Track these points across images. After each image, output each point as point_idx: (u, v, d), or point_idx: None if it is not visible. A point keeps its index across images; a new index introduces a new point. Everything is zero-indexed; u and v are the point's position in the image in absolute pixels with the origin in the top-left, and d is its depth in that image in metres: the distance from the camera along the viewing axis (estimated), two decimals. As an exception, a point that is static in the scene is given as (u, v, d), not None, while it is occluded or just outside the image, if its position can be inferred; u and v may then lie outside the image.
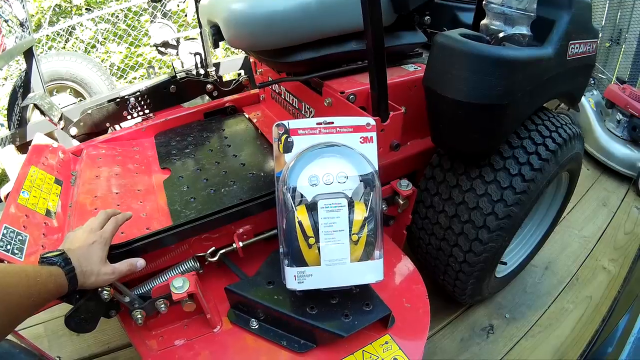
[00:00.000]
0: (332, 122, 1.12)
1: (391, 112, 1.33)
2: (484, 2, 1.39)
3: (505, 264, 1.83)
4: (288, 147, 1.11)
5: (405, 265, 1.38)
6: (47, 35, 4.95)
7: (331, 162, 1.10)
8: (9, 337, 1.01)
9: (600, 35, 3.70)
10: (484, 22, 1.41)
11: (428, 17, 1.61)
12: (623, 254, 2.40)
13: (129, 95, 2.04)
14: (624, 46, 3.61)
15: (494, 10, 1.36)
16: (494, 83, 1.19)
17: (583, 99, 3.23)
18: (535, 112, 1.51)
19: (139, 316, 1.11)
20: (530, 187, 1.38)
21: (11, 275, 0.82)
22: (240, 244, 1.28)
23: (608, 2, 3.61)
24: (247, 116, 2.03)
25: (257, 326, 1.18)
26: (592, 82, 3.46)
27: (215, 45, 1.89)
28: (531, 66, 1.26)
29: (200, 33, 2.42)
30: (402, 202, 1.40)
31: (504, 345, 1.80)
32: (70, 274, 0.96)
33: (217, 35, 1.55)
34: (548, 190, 1.88)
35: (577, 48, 1.45)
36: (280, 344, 1.14)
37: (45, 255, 0.97)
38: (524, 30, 1.36)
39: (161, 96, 2.11)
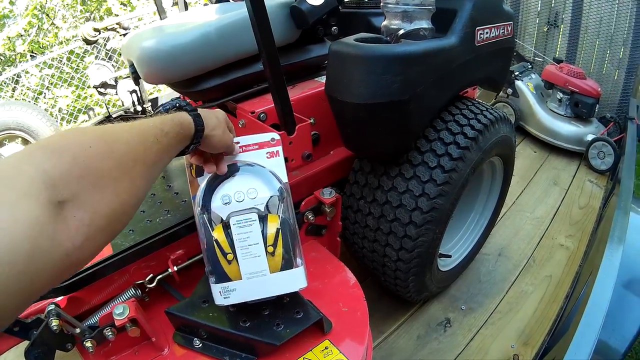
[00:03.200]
0: (238, 142, 1.14)
1: (298, 125, 1.35)
2: (381, 4, 1.42)
3: (449, 256, 1.85)
4: (200, 171, 1.13)
5: (341, 272, 1.38)
6: (-6, 85, 4.93)
7: (241, 181, 1.12)
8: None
9: (537, 21, 3.80)
10: (384, 23, 1.44)
11: (335, 27, 1.63)
12: (580, 229, 2.44)
13: (67, 139, 2.04)
14: (562, 27, 3.68)
15: (392, 10, 1.40)
16: (389, 80, 1.21)
17: (521, 84, 3.31)
18: (452, 102, 1.54)
19: (89, 345, 1.11)
20: (452, 177, 1.40)
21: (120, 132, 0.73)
22: (175, 268, 1.29)
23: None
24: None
25: (200, 345, 1.18)
26: (530, 66, 3.54)
27: (136, 82, 1.92)
28: (429, 58, 1.29)
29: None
30: (328, 210, 1.42)
31: (463, 337, 1.80)
32: (193, 112, 0.92)
33: (135, 73, 1.59)
34: (484, 178, 1.91)
35: (486, 33, 1.48)
36: (224, 359, 1.15)
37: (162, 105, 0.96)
38: (424, 24, 1.39)
39: (98, 136, 2.11)
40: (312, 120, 1.41)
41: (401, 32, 1.37)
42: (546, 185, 2.84)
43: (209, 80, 1.50)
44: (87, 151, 0.60)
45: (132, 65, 1.62)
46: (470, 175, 1.48)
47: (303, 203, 1.41)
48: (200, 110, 0.95)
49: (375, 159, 1.49)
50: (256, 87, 1.57)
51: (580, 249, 2.29)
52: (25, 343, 1.10)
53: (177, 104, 0.93)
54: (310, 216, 1.42)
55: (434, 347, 1.76)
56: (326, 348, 1.15)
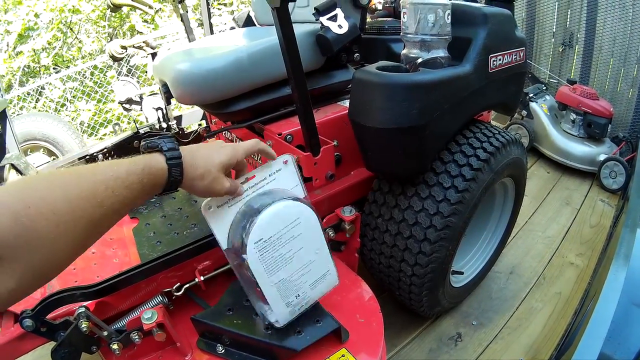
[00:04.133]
0: (254, 176, 1.12)
1: (323, 147, 1.44)
2: (401, 34, 1.51)
3: (461, 273, 1.90)
4: None
5: (358, 286, 1.44)
6: (18, 96, 5.06)
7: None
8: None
9: (553, 41, 3.84)
10: (403, 52, 1.53)
11: (357, 54, 1.72)
12: (590, 247, 2.48)
13: (97, 152, 2.11)
14: (577, 48, 3.72)
15: (410, 39, 1.48)
16: (409, 107, 1.30)
17: (535, 105, 3.37)
18: (466, 126, 1.62)
19: (116, 347, 1.18)
20: (465, 196, 1.47)
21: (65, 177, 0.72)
22: (202, 278, 1.36)
23: (557, 6, 3.75)
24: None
25: (223, 351, 1.24)
26: (545, 88, 3.59)
27: (168, 102, 2.00)
28: (446, 85, 1.37)
29: (160, 90, 2.51)
30: (348, 227, 1.50)
31: (474, 351, 1.85)
32: (173, 160, 0.84)
33: (168, 93, 1.67)
34: (496, 198, 1.97)
35: (499, 60, 1.56)
36: (245, 365, 1.21)
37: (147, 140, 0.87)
38: (441, 53, 1.47)
39: (126, 151, 2.17)
40: (335, 143, 1.50)
41: (419, 60, 1.45)
42: (558, 205, 2.88)
43: (238, 102, 1.58)
44: (27, 211, 0.63)
45: (164, 85, 1.70)
46: (482, 195, 1.55)
47: (324, 220, 1.48)
48: (189, 153, 0.88)
49: (394, 179, 1.57)
50: (283, 110, 1.65)
51: (589, 266, 2.33)
52: (45, 346, 1.17)
53: (160, 146, 0.85)
54: (330, 233, 1.49)
55: (445, 360, 1.82)
56: (343, 356, 1.20)
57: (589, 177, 3.17)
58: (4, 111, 2.69)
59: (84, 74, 5.24)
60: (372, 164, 1.55)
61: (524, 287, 2.19)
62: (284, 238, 1.10)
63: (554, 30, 3.86)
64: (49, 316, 1.15)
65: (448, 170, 1.49)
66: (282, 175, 1.13)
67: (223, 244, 1.08)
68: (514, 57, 1.63)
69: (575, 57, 3.76)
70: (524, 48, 1.69)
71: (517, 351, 1.86)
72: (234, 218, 1.07)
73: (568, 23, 3.74)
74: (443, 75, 1.38)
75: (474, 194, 1.50)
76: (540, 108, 3.37)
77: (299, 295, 1.16)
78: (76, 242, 0.71)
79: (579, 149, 3.20)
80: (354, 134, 1.50)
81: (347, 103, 1.72)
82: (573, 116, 3.27)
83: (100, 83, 5.25)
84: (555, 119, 3.37)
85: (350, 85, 1.77)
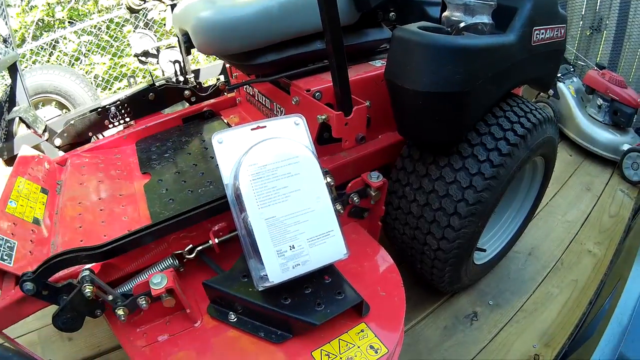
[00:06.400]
0: (265, 126, 1.16)
1: (355, 107, 1.37)
2: (445, -5, 1.42)
3: (484, 250, 1.85)
4: None
5: (380, 256, 1.40)
6: (32, 50, 4.97)
7: None
8: (3, 342, 1.05)
9: (581, 24, 3.74)
10: (445, 14, 1.44)
11: (393, 13, 1.64)
12: (609, 237, 2.42)
13: (109, 104, 2.06)
14: (604, 33, 3.62)
15: (454, 2, 1.40)
16: (451, 72, 1.22)
17: (563, 86, 3.27)
18: (504, 98, 1.54)
19: (121, 313, 1.12)
20: (500, 172, 1.40)
21: None
22: (216, 240, 1.30)
23: (589, -11, 3.63)
24: (224, 119, 2.06)
25: (235, 319, 1.19)
26: (572, 69, 3.49)
27: (188, 52, 1.93)
28: (491, 53, 1.30)
29: (178, 41, 2.44)
30: (373, 194, 1.43)
31: (489, 331, 1.81)
32: None
33: (188, 43, 1.62)
34: (525, 176, 1.91)
35: (542, 34, 1.48)
36: (258, 335, 1.15)
37: None
38: (485, 19, 1.39)
39: (140, 104, 2.12)
40: (368, 103, 1.42)
41: (462, 24, 1.37)
42: (579, 190, 2.82)
43: (265, 55, 1.51)
44: None
45: (185, 34, 1.63)
46: (516, 172, 1.49)
47: (350, 185, 1.42)
48: None
49: (426, 147, 1.50)
50: (311, 66, 1.58)
51: (607, 257, 2.28)
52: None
53: None
54: (355, 198, 1.43)
55: (459, 339, 1.78)
56: (362, 331, 1.15)
57: (610, 165, 3.10)
58: (14, 64, 2.63)
59: (99, 28, 5.15)
60: (405, 129, 1.48)
61: (541, 270, 2.15)
62: (280, 172, 1.10)
63: (583, 12, 3.75)
64: (52, 278, 1.11)
65: (484, 142, 1.42)
66: (293, 134, 1.17)
67: (225, 178, 1.13)
68: (555, 33, 1.55)
69: (602, 43, 3.65)
70: (565, 25, 1.61)
71: (531, 335, 1.82)
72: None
73: (598, 7, 3.62)
74: (488, 42, 1.30)
75: (508, 170, 1.43)
76: (567, 89, 3.28)
77: (293, 247, 1.11)
78: None
79: (603, 135, 3.12)
80: (386, 96, 1.43)
81: (378, 63, 1.66)
82: (600, 101, 3.18)
83: (116, 37, 5.17)
84: (581, 102, 3.29)
85: (383, 45, 1.70)
